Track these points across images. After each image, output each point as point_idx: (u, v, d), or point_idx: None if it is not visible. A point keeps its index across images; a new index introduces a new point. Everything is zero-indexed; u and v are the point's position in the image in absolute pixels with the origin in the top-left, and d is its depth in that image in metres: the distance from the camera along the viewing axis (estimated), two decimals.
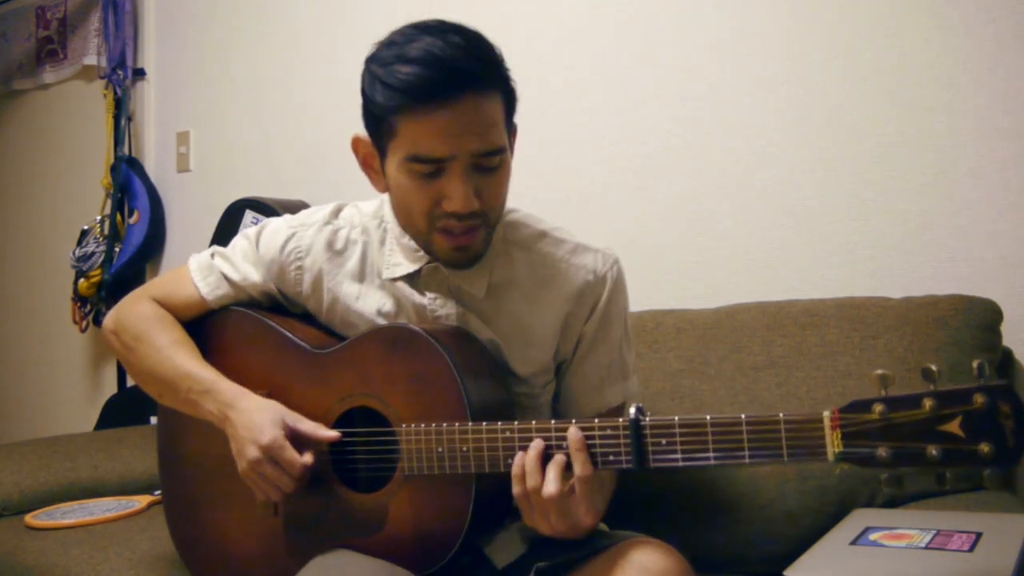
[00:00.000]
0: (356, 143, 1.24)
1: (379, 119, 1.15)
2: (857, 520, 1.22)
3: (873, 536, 1.12)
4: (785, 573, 1.02)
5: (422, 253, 1.25)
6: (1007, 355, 1.53)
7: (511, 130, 1.22)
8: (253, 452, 1.19)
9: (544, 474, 1.06)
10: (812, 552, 1.10)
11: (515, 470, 1.08)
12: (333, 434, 1.20)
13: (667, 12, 1.94)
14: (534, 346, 1.28)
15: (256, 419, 1.20)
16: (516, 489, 1.08)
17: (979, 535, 1.07)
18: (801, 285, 1.75)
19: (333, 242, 1.32)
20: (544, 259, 1.29)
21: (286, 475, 1.19)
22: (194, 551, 1.40)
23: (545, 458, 1.07)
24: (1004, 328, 1.50)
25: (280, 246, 1.33)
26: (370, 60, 1.17)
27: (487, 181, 1.16)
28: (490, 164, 1.15)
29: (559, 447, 1.07)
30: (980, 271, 1.58)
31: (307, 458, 1.19)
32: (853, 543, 1.11)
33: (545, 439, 1.08)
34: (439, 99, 1.09)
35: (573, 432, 1.06)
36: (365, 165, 1.25)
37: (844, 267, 1.72)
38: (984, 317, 1.48)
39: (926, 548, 1.05)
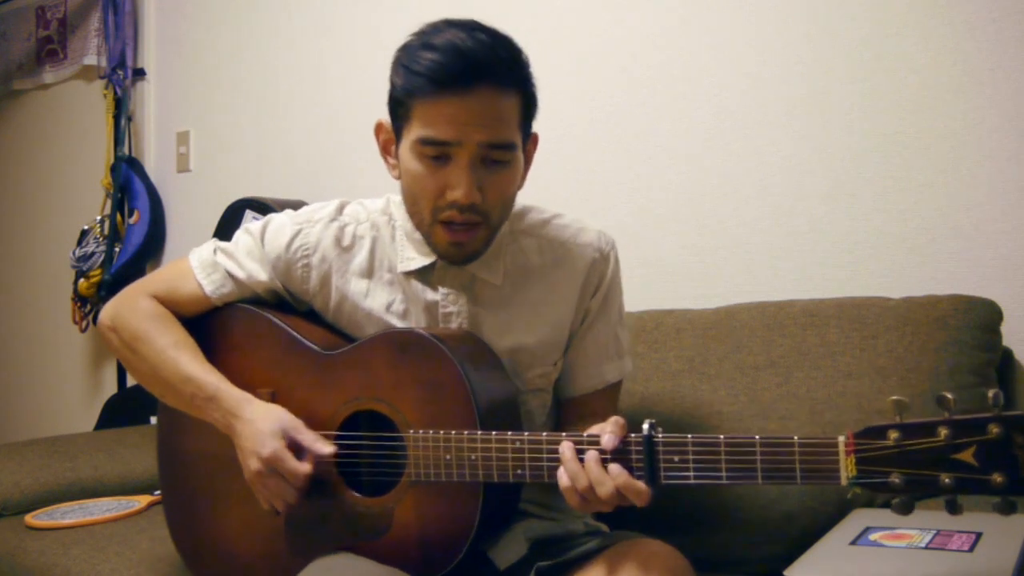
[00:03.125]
0: (378, 128, 1.27)
1: (398, 102, 1.19)
2: (857, 520, 1.22)
3: (873, 536, 1.12)
4: (785, 573, 1.02)
5: None
6: (1007, 355, 1.53)
7: (527, 135, 1.24)
8: (255, 464, 1.19)
9: (587, 471, 1.04)
10: (812, 552, 1.10)
11: (563, 482, 1.05)
12: (330, 449, 1.19)
13: (668, 12, 1.94)
14: (552, 326, 1.30)
15: (258, 429, 1.20)
16: (572, 500, 1.06)
17: (979, 535, 1.07)
18: (801, 285, 1.75)
19: (340, 238, 1.32)
20: (552, 243, 1.32)
21: (289, 486, 1.19)
22: (194, 551, 1.40)
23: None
24: (1004, 328, 1.50)
25: (286, 243, 1.32)
26: (400, 48, 1.20)
27: (492, 178, 1.18)
28: (498, 158, 1.17)
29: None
30: (980, 271, 1.58)
31: (307, 467, 1.18)
32: (853, 543, 1.11)
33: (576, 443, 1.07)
34: (453, 86, 1.13)
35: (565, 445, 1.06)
36: (384, 150, 1.28)
37: (844, 267, 1.72)
38: (984, 317, 1.48)
39: (926, 548, 1.05)
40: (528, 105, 1.21)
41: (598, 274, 1.32)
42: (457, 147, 1.15)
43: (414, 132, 1.16)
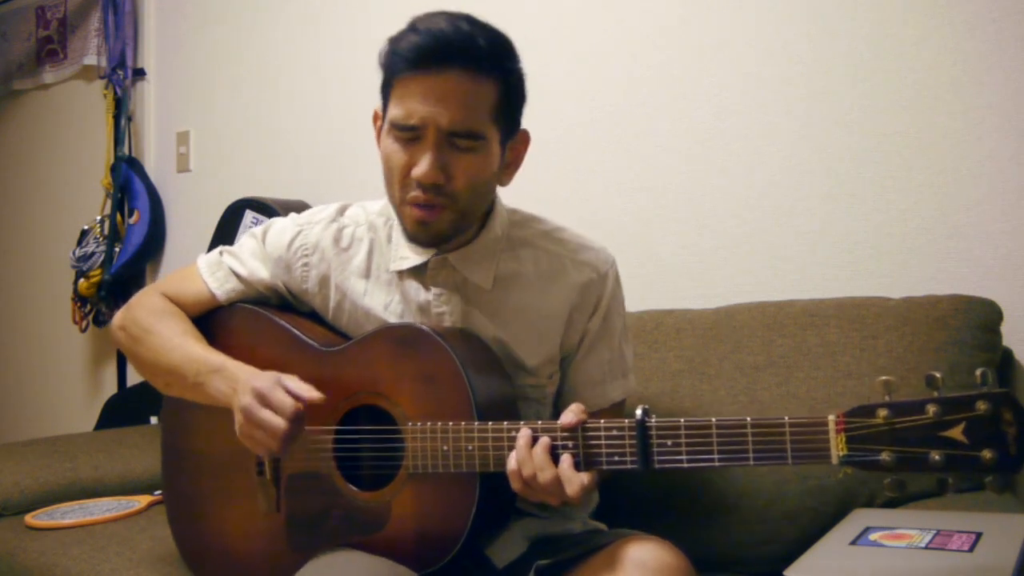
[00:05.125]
0: (375, 116, 1.29)
1: (384, 84, 1.22)
2: (857, 520, 1.22)
3: (873, 536, 1.12)
4: (785, 573, 1.02)
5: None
6: (1007, 355, 1.53)
7: (509, 128, 1.23)
8: (245, 399, 1.17)
9: (533, 457, 1.08)
10: (812, 552, 1.10)
11: (511, 466, 1.09)
12: (316, 395, 1.16)
13: (668, 13, 1.94)
14: (540, 338, 1.30)
15: (254, 374, 1.21)
16: (516, 484, 1.09)
17: (979, 535, 1.07)
18: (801, 285, 1.75)
19: (339, 239, 1.34)
20: (549, 256, 1.31)
21: (278, 417, 1.14)
22: (196, 548, 1.40)
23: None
24: (1004, 328, 1.50)
25: (287, 243, 1.35)
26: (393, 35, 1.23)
27: (460, 161, 1.18)
28: (462, 145, 1.17)
29: (563, 445, 1.09)
30: (980, 271, 1.58)
31: (294, 401, 1.15)
32: (853, 543, 1.11)
33: (551, 437, 1.09)
34: (425, 65, 1.15)
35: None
36: (377, 137, 1.28)
37: (844, 267, 1.72)
38: (984, 317, 1.48)
39: (926, 548, 1.05)
40: (508, 95, 1.20)
41: (595, 295, 1.31)
42: (423, 130, 1.16)
43: (390, 112, 1.19)
